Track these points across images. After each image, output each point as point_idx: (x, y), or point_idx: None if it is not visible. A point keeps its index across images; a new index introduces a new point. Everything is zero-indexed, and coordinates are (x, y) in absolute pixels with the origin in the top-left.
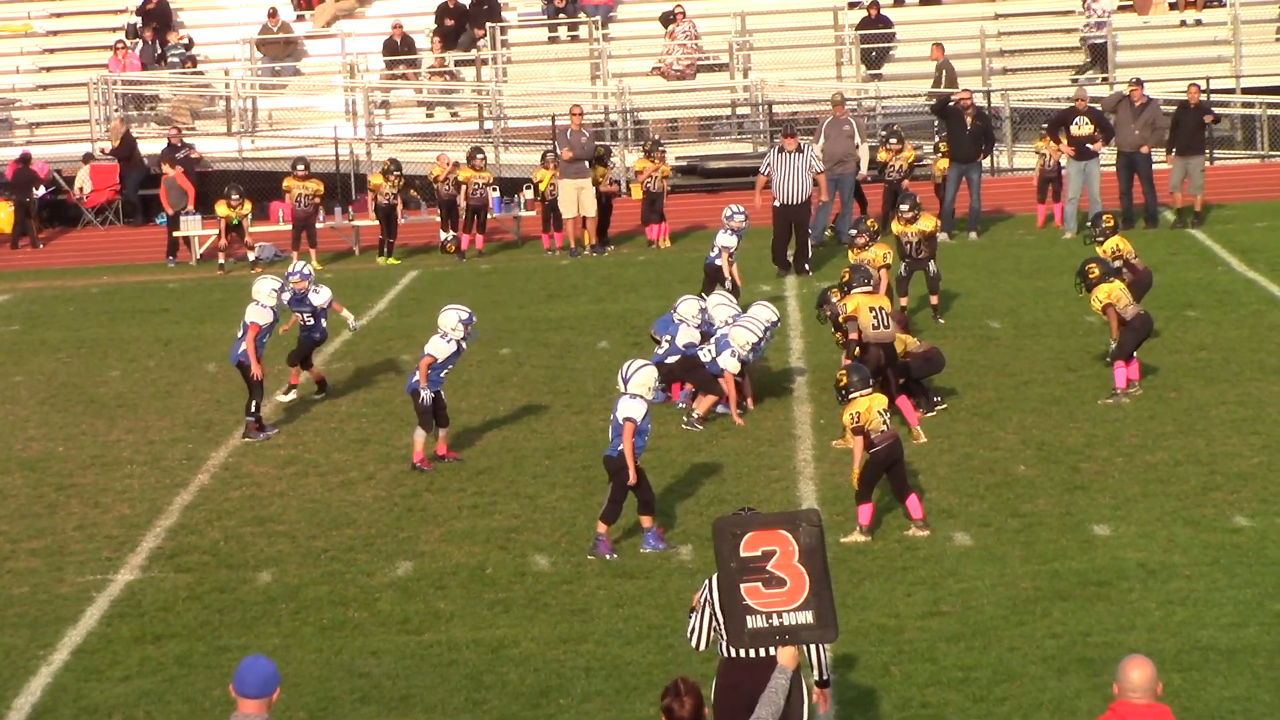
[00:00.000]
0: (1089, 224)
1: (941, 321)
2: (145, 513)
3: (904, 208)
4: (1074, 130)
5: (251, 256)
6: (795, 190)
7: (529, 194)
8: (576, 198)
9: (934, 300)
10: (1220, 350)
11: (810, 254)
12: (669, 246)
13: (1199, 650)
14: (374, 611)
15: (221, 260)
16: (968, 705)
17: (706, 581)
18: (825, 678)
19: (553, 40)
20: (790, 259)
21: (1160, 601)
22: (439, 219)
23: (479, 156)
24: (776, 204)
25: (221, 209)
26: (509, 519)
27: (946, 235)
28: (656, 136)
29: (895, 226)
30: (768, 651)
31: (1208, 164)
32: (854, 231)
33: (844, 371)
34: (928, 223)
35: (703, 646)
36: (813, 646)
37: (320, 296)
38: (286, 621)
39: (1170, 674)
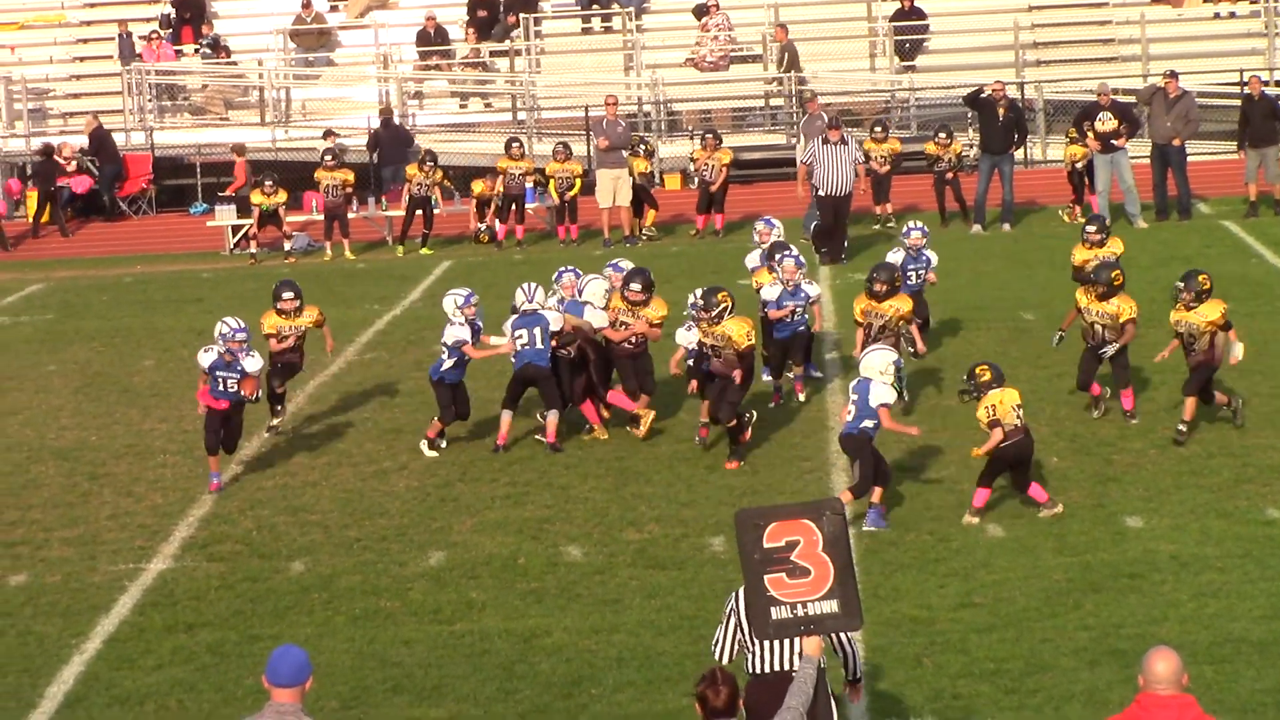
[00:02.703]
0: None
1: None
2: (178, 502)
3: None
4: (1098, 126)
5: (287, 246)
6: (840, 181)
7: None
8: (613, 188)
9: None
10: (1254, 343)
11: (845, 244)
12: (715, 237)
13: (1231, 642)
14: (406, 601)
15: (254, 250)
16: (999, 697)
17: (733, 594)
18: (857, 676)
19: (586, 31)
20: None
21: (1192, 594)
22: (472, 210)
23: (515, 145)
24: (821, 193)
25: (256, 197)
26: (541, 509)
27: (980, 227)
28: (714, 127)
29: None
30: (791, 665)
31: None
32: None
33: (985, 366)
34: (903, 304)
35: (726, 659)
36: (846, 646)
37: (250, 362)
38: (319, 611)
39: (1202, 666)
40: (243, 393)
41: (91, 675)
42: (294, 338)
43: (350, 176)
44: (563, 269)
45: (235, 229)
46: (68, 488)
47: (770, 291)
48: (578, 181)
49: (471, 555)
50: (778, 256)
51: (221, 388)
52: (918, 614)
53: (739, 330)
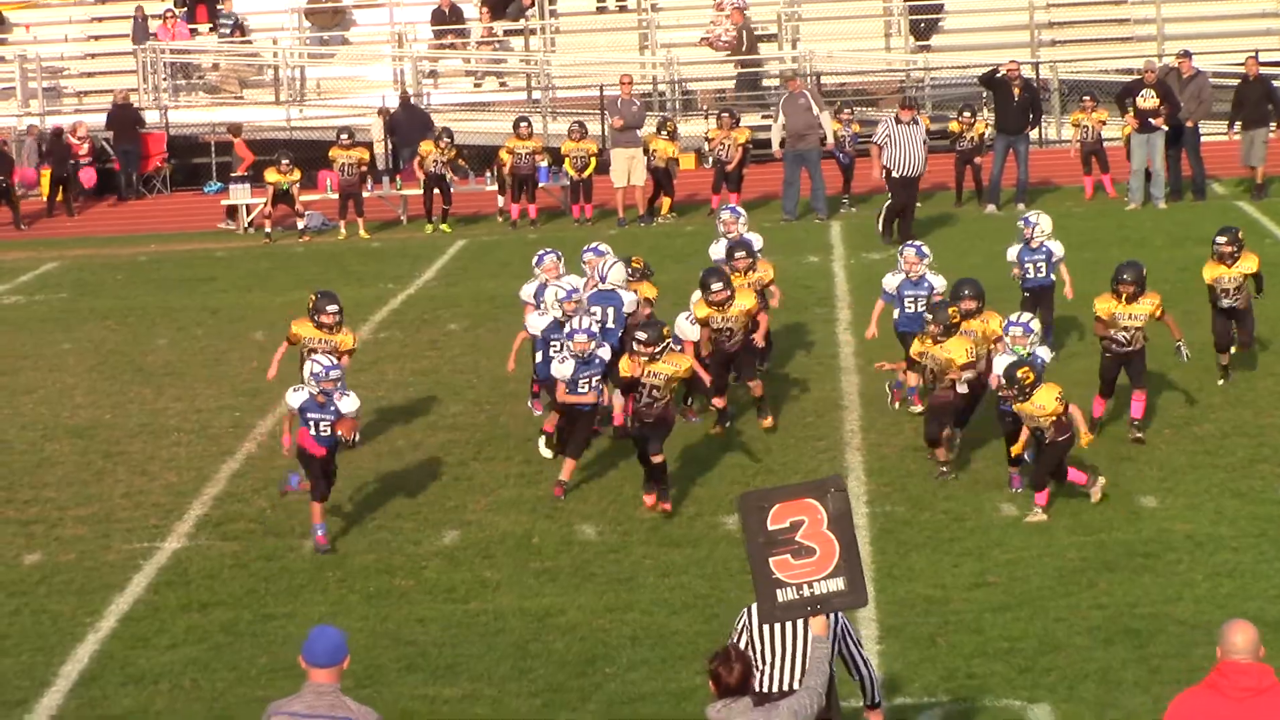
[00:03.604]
0: None
1: None
2: (192, 481)
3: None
4: (1140, 103)
5: (300, 225)
6: (912, 162)
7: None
8: (627, 167)
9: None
10: (1267, 322)
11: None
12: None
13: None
14: (420, 580)
15: (269, 229)
16: (1013, 676)
17: (745, 609)
18: (877, 700)
19: (601, 10)
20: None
21: (1207, 573)
22: (498, 189)
23: (523, 125)
24: (895, 175)
25: (271, 175)
26: (555, 487)
27: (994, 207)
28: (730, 106)
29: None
30: (798, 675)
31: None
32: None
33: (1027, 368)
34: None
35: None
36: (862, 668)
37: (346, 403)
38: (333, 590)
39: (1216, 646)
40: (339, 435)
41: (106, 654)
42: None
43: (365, 155)
44: (544, 251)
45: (237, 209)
46: (82, 466)
47: (891, 281)
48: (592, 160)
49: (486, 534)
50: (905, 243)
51: (314, 431)
52: (932, 593)
53: (680, 367)
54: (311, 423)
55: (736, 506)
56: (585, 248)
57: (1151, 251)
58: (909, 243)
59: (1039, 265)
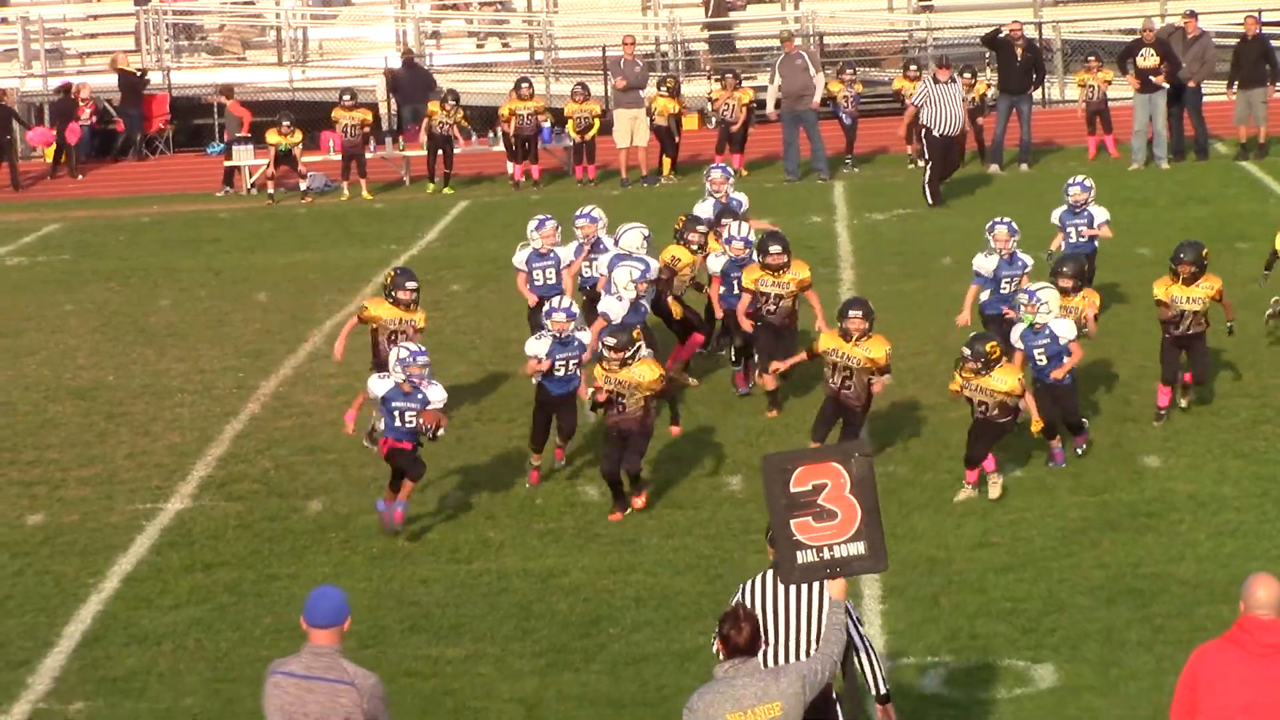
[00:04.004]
0: None
1: None
2: (196, 441)
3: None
4: (1139, 62)
5: (303, 186)
6: (952, 119)
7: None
8: (630, 128)
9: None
10: (1271, 282)
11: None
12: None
13: None
14: (424, 540)
15: (271, 190)
16: (1016, 636)
17: (741, 585)
18: (884, 692)
19: None
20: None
21: (1210, 533)
22: (505, 150)
23: (525, 86)
24: (936, 133)
25: (272, 136)
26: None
27: (997, 167)
28: (733, 66)
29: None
30: (801, 650)
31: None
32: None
33: (995, 343)
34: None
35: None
36: (869, 664)
37: (435, 391)
38: (336, 550)
39: (1219, 605)
40: (422, 424)
41: (109, 614)
42: (403, 335)
43: (368, 116)
44: (543, 217)
45: (232, 175)
46: (85, 427)
47: (986, 262)
48: (596, 122)
49: (489, 495)
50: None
51: (399, 422)
52: (935, 554)
53: (650, 374)
54: (396, 412)
55: (760, 468)
56: (577, 213)
57: (1155, 211)
58: (998, 220)
59: (1080, 230)
